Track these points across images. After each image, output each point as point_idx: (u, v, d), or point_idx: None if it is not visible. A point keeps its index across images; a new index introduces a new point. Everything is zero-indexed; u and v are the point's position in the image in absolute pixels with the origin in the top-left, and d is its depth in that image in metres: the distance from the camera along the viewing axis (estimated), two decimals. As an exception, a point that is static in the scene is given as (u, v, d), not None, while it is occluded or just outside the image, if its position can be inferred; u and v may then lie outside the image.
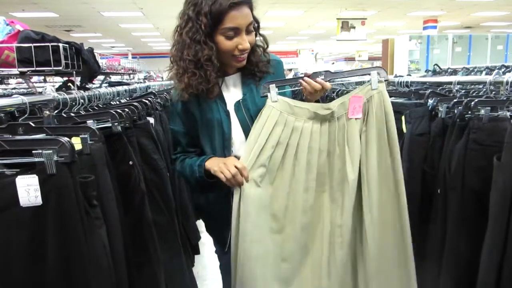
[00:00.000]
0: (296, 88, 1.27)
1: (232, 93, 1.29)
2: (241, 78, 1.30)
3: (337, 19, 9.19)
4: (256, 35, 1.25)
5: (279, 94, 1.22)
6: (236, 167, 1.16)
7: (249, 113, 1.26)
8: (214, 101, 1.25)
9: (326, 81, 1.23)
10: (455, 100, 1.42)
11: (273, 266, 1.21)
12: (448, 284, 1.34)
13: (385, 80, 1.22)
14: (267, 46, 1.30)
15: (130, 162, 1.28)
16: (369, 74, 1.22)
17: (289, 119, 1.21)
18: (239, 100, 1.27)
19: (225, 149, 1.27)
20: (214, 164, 1.21)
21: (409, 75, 3.12)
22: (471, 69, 3.91)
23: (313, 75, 1.23)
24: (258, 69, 1.27)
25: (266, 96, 1.21)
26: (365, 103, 1.20)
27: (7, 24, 1.68)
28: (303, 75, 1.26)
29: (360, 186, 1.20)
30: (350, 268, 1.24)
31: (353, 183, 1.19)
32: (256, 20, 1.24)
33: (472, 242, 1.25)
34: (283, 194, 1.22)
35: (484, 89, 1.78)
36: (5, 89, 3.67)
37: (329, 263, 1.23)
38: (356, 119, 1.20)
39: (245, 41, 1.18)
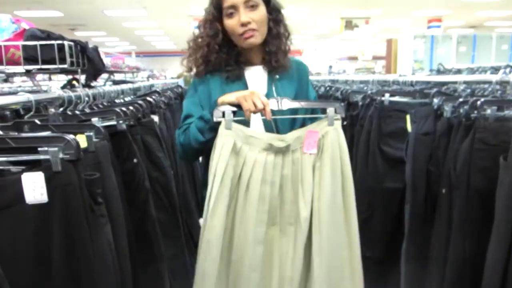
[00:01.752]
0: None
1: (256, 84, 1.30)
2: (264, 72, 1.32)
3: (341, 18, 9.16)
4: (278, 23, 1.28)
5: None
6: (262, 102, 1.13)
7: (273, 113, 1.21)
8: (237, 85, 1.27)
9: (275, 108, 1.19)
10: (460, 100, 1.41)
11: None
12: (453, 285, 1.33)
13: (341, 118, 1.21)
14: (289, 35, 1.32)
15: (135, 160, 1.29)
16: (326, 110, 1.19)
17: (243, 149, 1.16)
18: (264, 95, 1.23)
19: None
20: (232, 95, 1.16)
21: (413, 74, 3.11)
22: (475, 69, 3.88)
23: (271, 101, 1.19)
24: (276, 59, 1.27)
25: (219, 121, 1.14)
26: (320, 138, 1.18)
27: (13, 22, 1.68)
28: None
29: (311, 224, 1.17)
30: None
31: (305, 222, 1.16)
32: (275, 7, 1.27)
33: (477, 243, 1.24)
34: (233, 227, 1.18)
35: (490, 89, 1.77)
36: (10, 87, 3.68)
37: None
38: (310, 154, 1.18)
39: (244, 15, 1.20)
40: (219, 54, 1.26)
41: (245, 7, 1.20)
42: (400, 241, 1.62)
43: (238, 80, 1.28)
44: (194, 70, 1.31)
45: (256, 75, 1.31)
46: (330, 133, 1.19)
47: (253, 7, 1.21)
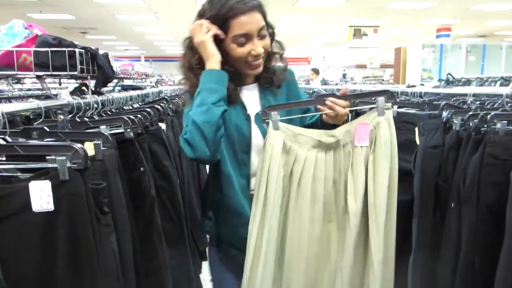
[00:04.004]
0: (308, 113, 1.24)
1: (250, 104, 1.27)
2: (258, 89, 1.28)
3: (349, 26, 9.17)
4: (272, 41, 1.24)
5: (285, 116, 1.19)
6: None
7: None
8: (234, 106, 1.22)
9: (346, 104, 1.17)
10: (470, 113, 1.40)
11: None
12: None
13: (392, 105, 1.16)
14: (284, 52, 1.28)
15: (141, 169, 1.29)
16: (378, 98, 1.15)
17: (293, 147, 1.16)
18: (258, 112, 1.24)
19: (245, 153, 1.24)
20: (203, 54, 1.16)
21: (422, 84, 3.09)
22: (485, 79, 3.86)
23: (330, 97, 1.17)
24: (276, 77, 1.25)
25: (267, 123, 1.16)
26: (372, 130, 1.14)
27: (26, 28, 1.70)
28: (322, 94, 1.21)
29: (368, 220, 1.15)
30: None
31: (355, 216, 1.13)
32: (270, 26, 1.22)
33: (487, 259, 1.22)
34: (286, 226, 1.18)
35: (500, 101, 1.75)
36: (21, 89, 3.73)
37: None
38: (362, 147, 1.14)
39: (257, 47, 1.15)
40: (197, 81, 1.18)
41: (257, 36, 1.15)
42: (408, 255, 1.60)
43: (235, 102, 1.23)
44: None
45: (249, 95, 1.28)
46: (382, 124, 1.14)
47: (263, 37, 1.17)
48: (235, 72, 1.21)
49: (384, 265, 1.16)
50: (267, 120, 1.15)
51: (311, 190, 1.16)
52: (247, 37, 1.14)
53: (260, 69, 1.21)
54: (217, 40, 1.15)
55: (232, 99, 1.21)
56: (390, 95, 1.15)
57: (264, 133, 1.22)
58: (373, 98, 1.18)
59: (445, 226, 1.44)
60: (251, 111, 1.25)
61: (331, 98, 1.17)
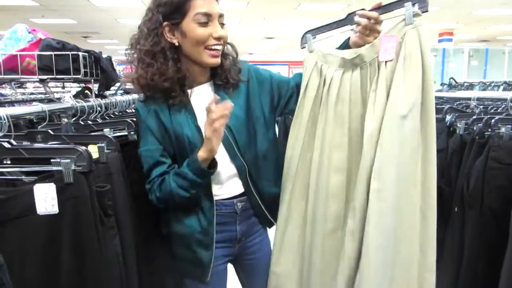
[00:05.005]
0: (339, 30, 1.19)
1: (203, 105, 1.14)
2: (212, 88, 1.20)
3: (351, 30, 9.18)
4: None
5: None
6: (216, 112, 1.03)
7: (226, 124, 1.12)
8: (184, 115, 1.14)
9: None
10: (474, 117, 1.40)
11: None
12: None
13: (423, 12, 0.99)
14: (237, 55, 1.23)
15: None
16: (403, 7, 0.99)
17: (323, 68, 1.18)
18: None
19: None
20: (206, 143, 1.07)
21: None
22: (488, 83, 3.86)
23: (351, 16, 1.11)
24: (231, 76, 1.19)
25: (304, 47, 1.23)
26: (400, 42, 1.00)
27: (29, 32, 1.72)
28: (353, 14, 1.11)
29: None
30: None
31: (369, 140, 1.02)
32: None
33: (491, 263, 1.21)
34: (312, 151, 1.17)
35: (503, 105, 1.75)
36: (24, 93, 3.74)
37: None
38: (386, 62, 1.01)
39: (219, 29, 1.10)
40: (169, 76, 1.09)
41: (218, 21, 1.11)
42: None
43: (184, 107, 1.15)
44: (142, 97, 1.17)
45: (203, 95, 1.19)
46: (409, 33, 0.99)
47: (223, 25, 1.13)
48: (188, 72, 1.14)
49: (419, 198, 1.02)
50: (304, 43, 1.22)
51: (334, 111, 1.12)
52: (209, 17, 1.09)
53: (219, 60, 1.14)
54: (174, 26, 1.09)
55: (181, 105, 1.14)
56: (418, 2, 0.98)
57: (223, 138, 1.11)
58: (399, 8, 1.03)
59: (448, 230, 1.43)
60: (202, 117, 1.14)
61: (360, 12, 1.10)
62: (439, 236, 1.48)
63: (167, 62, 1.10)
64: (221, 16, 1.12)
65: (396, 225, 1.03)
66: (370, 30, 1.11)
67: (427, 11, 0.97)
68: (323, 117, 1.15)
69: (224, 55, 1.18)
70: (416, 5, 0.99)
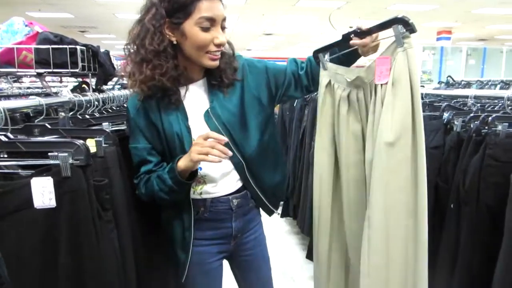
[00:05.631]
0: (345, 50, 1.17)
1: (198, 103, 1.17)
2: (206, 86, 1.19)
3: (350, 27, 9.17)
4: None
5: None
6: (208, 139, 1.04)
7: (221, 120, 1.15)
8: (175, 114, 1.13)
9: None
10: (471, 115, 1.40)
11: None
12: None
13: (411, 33, 0.96)
14: (233, 53, 1.21)
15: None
16: (394, 29, 0.98)
17: (334, 86, 1.20)
18: (208, 109, 1.15)
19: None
20: (188, 158, 1.07)
21: (422, 86, 3.10)
22: (485, 82, 3.87)
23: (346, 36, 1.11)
24: (226, 75, 1.17)
25: (319, 64, 1.24)
26: (393, 64, 1.00)
27: (26, 25, 1.70)
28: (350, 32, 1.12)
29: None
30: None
31: (369, 161, 1.06)
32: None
33: (486, 260, 1.22)
34: (338, 167, 1.24)
35: (500, 104, 1.75)
36: (20, 87, 3.72)
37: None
38: (382, 85, 1.01)
39: (221, 35, 1.08)
40: (169, 76, 1.07)
41: (221, 25, 1.09)
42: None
43: (176, 107, 1.13)
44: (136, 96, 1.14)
45: (197, 92, 1.18)
46: (398, 56, 0.97)
47: (224, 29, 1.10)
48: (186, 70, 1.13)
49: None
50: (318, 61, 1.24)
51: (347, 130, 1.18)
52: (212, 22, 1.06)
53: (217, 63, 1.12)
54: (175, 24, 1.06)
55: (174, 103, 1.13)
56: (405, 22, 0.95)
57: (216, 131, 1.11)
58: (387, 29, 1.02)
59: (444, 226, 1.44)
60: (195, 120, 1.15)
61: (353, 42, 1.10)
62: (434, 233, 1.50)
63: (169, 60, 1.07)
64: (224, 19, 1.09)
65: (386, 253, 1.04)
66: (371, 48, 1.10)
67: (414, 32, 0.95)
68: (339, 135, 1.21)
69: (222, 54, 1.15)
70: (403, 28, 0.96)
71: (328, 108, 1.23)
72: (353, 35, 1.10)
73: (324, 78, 1.22)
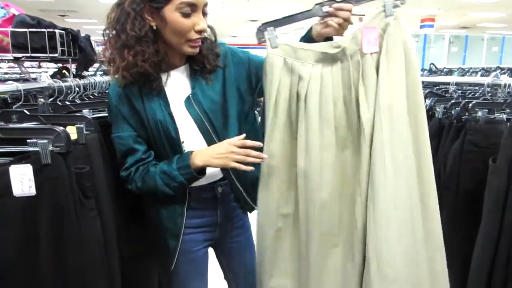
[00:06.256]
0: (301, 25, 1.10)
1: (179, 89, 1.15)
2: (188, 72, 1.17)
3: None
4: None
5: None
6: (240, 146, 1.06)
7: (202, 108, 1.13)
8: (157, 101, 1.12)
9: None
10: (452, 101, 1.42)
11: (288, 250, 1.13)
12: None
13: (401, 4, 0.99)
14: (215, 39, 1.19)
15: (125, 153, 1.27)
16: None
17: (294, 65, 1.04)
18: (189, 96, 1.14)
19: (176, 152, 1.14)
20: (206, 156, 1.08)
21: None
22: (466, 69, 3.93)
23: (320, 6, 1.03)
24: (208, 61, 1.15)
25: (264, 42, 1.03)
26: (381, 34, 1.00)
27: (2, 7, 1.64)
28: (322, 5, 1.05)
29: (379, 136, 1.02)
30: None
31: (368, 125, 1.01)
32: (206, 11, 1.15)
33: (465, 242, 1.26)
34: (296, 156, 1.06)
35: (480, 91, 1.79)
36: (-3, 73, 3.60)
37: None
38: (371, 53, 1.00)
39: (202, 21, 1.05)
40: (149, 62, 1.05)
41: (202, 11, 1.06)
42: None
43: (158, 93, 1.12)
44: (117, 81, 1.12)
45: (179, 78, 1.16)
46: (391, 25, 0.99)
47: (206, 15, 1.08)
48: (167, 55, 1.11)
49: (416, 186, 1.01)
50: (263, 39, 1.04)
51: (319, 112, 1.04)
52: (193, 8, 1.03)
53: (198, 50, 1.10)
54: (155, 9, 1.03)
55: (155, 90, 1.11)
56: None
57: (199, 122, 1.12)
58: None
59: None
60: (176, 107, 1.14)
61: (334, 5, 1.04)
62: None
63: (150, 45, 1.05)
64: (205, 5, 1.07)
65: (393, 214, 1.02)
66: (345, 22, 1.07)
67: (405, 2, 0.98)
68: (304, 118, 1.05)
69: (203, 40, 1.13)
70: None
71: (286, 91, 1.05)
72: (328, 6, 1.04)
73: (276, 58, 1.04)
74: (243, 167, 1.05)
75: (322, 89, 1.03)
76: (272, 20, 1.04)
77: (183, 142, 1.14)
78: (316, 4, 1.05)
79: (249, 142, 1.07)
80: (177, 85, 1.15)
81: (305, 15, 1.07)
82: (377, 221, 1.01)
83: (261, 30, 1.03)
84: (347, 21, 1.06)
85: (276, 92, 1.04)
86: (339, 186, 1.07)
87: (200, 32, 1.06)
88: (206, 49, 1.14)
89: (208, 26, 1.14)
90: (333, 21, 1.05)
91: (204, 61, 1.14)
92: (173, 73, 1.15)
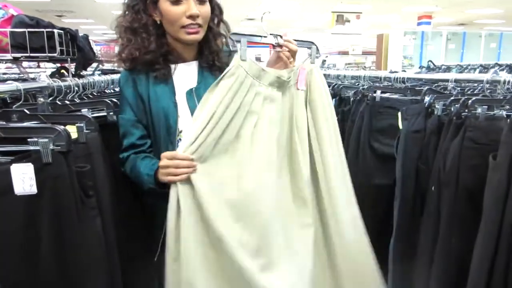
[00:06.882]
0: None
1: (185, 81, 1.19)
2: (197, 67, 1.21)
3: (332, 12, 9.14)
4: (219, 23, 1.20)
5: None
6: (180, 161, 1.01)
7: None
8: (163, 88, 1.16)
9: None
10: (452, 98, 1.42)
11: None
12: (439, 282, 1.35)
13: (316, 57, 1.22)
14: (229, 30, 1.22)
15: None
16: (309, 48, 1.20)
17: (253, 83, 1.07)
18: (192, 89, 1.17)
19: (169, 144, 1.15)
20: (160, 173, 1.06)
21: (404, 71, 3.14)
22: (464, 66, 3.93)
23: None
24: (218, 59, 1.19)
25: (235, 51, 1.04)
26: (308, 74, 1.18)
27: (0, 8, 1.64)
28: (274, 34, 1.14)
29: (314, 161, 1.17)
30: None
31: (303, 155, 1.15)
32: (218, 5, 1.19)
33: (464, 240, 1.26)
34: (241, 172, 1.04)
35: (479, 87, 1.79)
36: (-5, 73, 3.59)
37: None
38: (302, 90, 1.17)
39: (193, 7, 1.08)
40: (151, 50, 1.13)
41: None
42: (388, 238, 1.64)
43: (165, 81, 1.16)
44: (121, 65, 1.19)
45: (187, 70, 1.20)
46: (314, 71, 1.19)
47: (203, 1, 1.11)
48: (175, 48, 1.18)
49: (346, 209, 1.19)
50: (234, 48, 1.05)
51: (267, 133, 1.09)
52: None
53: (199, 36, 1.13)
54: (154, 4, 1.11)
55: (163, 79, 1.15)
56: (317, 47, 1.22)
57: (194, 110, 1.09)
58: (306, 47, 1.22)
59: (425, 209, 1.48)
60: (181, 97, 1.17)
61: (285, 37, 1.14)
62: (414, 215, 1.54)
63: (150, 37, 1.13)
64: None
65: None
66: (292, 55, 1.17)
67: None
68: (249, 134, 1.06)
69: (215, 34, 1.18)
70: (316, 49, 1.21)
71: (238, 103, 1.04)
72: (277, 39, 1.15)
73: (241, 71, 1.04)
74: (177, 179, 1.00)
75: (272, 112, 1.11)
76: (241, 33, 1.08)
77: (181, 131, 1.16)
78: (271, 34, 1.15)
79: (180, 155, 1.01)
80: (184, 77, 1.19)
81: (262, 40, 1.15)
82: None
83: (235, 39, 1.06)
84: (293, 55, 1.16)
85: (228, 101, 1.03)
86: (281, 200, 1.12)
87: (191, 17, 1.09)
88: (217, 46, 1.18)
89: (222, 21, 1.21)
90: (284, 55, 1.15)
91: (214, 57, 1.19)
92: (182, 65, 1.20)
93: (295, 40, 1.19)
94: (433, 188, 1.41)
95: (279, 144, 1.12)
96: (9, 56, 1.51)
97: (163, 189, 1.06)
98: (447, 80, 1.78)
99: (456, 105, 1.36)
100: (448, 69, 3.78)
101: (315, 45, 1.22)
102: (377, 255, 1.54)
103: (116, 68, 3.15)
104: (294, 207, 1.15)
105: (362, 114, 1.91)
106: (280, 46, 1.16)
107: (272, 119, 1.11)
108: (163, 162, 1.04)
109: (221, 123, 1.02)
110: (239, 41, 1.05)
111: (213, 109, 1.01)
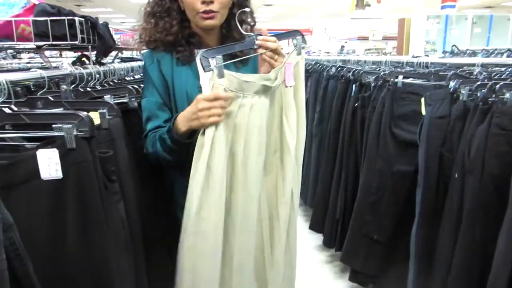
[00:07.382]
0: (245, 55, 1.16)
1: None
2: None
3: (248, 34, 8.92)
4: (243, 10, 1.18)
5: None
6: (210, 99, 0.98)
7: None
8: (186, 71, 1.18)
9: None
10: (478, 83, 1.38)
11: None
12: (461, 271, 1.33)
13: (302, 47, 1.18)
14: (255, 24, 1.23)
15: (147, 138, 1.28)
16: (295, 39, 1.16)
17: (237, 96, 1.03)
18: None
19: None
20: (185, 119, 1.04)
21: (427, 55, 3.05)
22: (491, 51, 3.80)
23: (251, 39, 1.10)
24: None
25: (210, 71, 0.98)
26: (295, 68, 1.16)
27: (23, -3, 1.66)
28: (253, 35, 1.11)
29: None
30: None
31: (294, 151, 1.16)
32: None
33: (488, 230, 1.24)
34: (234, 186, 1.07)
35: (507, 72, 1.73)
36: (19, 63, 3.68)
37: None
38: (290, 86, 1.15)
39: None
40: (173, 32, 1.17)
41: None
42: (409, 225, 1.62)
43: (188, 64, 1.18)
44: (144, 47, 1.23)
45: None
46: (300, 63, 1.18)
47: None
48: (194, 32, 1.20)
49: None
50: (209, 68, 0.98)
51: (257, 142, 1.08)
52: None
53: (213, 21, 1.13)
54: None
55: (187, 59, 1.18)
56: (303, 37, 1.17)
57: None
58: (291, 38, 1.17)
59: (447, 196, 1.45)
60: (203, 81, 1.14)
61: (260, 37, 1.10)
62: (437, 202, 1.51)
63: (172, 21, 1.16)
64: None
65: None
66: (275, 54, 1.12)
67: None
68: (241, 147, 1.06)
69: (238, 22, 1.15)
70: (302, 39, 1.16)
71: (232, 118, 1.04)
72: (256, 40, 1.10)
73: (220, 89, 0.99)
74: (221, 119, 0.99)
75: (260, 120, 1.09)
76: (214, 48, 1.03)
77: None
78: (248, 37, 1.12)
79: (222, 94, 0.98)
80: None
81: (242, 46, 1.12)
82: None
83: (206, 58, 0.98)
84: (276, 52, 1.11)
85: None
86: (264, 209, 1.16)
87: (205, 3, 1.10)
88: (239, 33, 1.17)
89: (247, 12, 1.21)
90: (266, 56, 1.11)
91: None
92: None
93: (277, 34, 1.13)
94: (456, 176, 1.38)
95: (267, 151, 1.14)
96: (32, 44, 1.53)
97: (185, 140, 1.06)
98: (473, 65, 1.72)
99: (482, 90, 1.32)
100: (473, 53, 3.67)
101: (301, 34, 1.16)
102: (397, 241, 1.53)
103: (135, 56, 3.18)
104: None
105: (383, 100, 1.88)
106: (258, 47, 1.10)
107: (261, 128, 1.09)
108: (202, 104, 0.98)
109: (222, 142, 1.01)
110: (214, 57, 0.97)
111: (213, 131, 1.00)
